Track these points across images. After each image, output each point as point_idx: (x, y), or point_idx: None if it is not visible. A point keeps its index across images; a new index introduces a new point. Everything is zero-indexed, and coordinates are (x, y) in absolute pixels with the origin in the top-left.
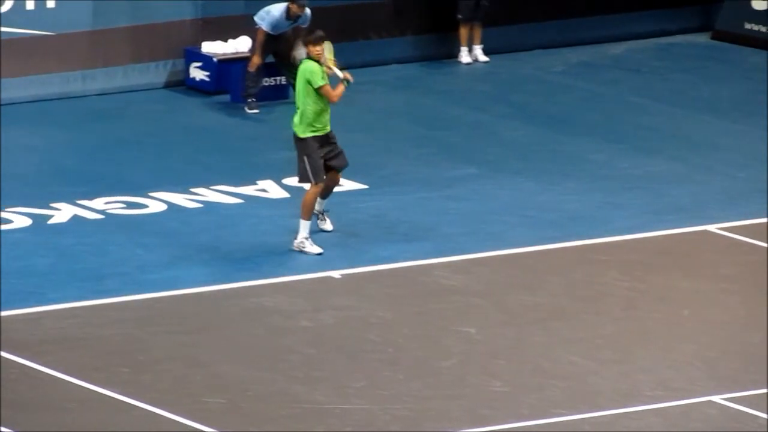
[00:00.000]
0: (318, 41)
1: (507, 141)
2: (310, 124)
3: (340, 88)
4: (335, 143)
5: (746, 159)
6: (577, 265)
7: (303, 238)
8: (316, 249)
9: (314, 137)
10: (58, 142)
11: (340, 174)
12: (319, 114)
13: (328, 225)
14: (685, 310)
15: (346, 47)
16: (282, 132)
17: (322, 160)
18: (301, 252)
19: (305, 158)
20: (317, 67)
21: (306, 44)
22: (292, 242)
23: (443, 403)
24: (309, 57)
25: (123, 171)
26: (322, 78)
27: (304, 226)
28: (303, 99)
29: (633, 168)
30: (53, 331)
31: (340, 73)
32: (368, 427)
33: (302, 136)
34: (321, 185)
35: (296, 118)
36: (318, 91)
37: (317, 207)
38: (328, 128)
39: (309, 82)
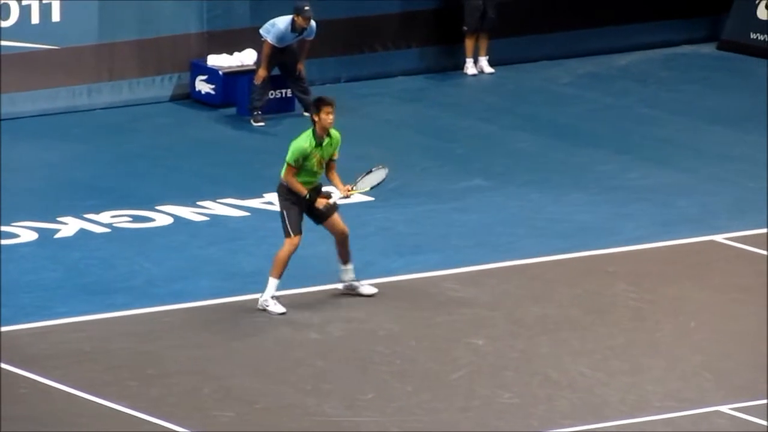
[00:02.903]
0: (326, 105)
1: (514, 152)
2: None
3: (299, 187)
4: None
5: (755, 168)
6: (586, 276)
7: (268, 297)
8: (279, 308)
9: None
10: (64, 156)
11: (333, 218)
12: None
13: (368, 289)
14: (692, 321)
15: (352, 60)
16: (288, 144)
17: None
18: (265, 310)
19: (283, 212)
20: (302, 146)
21: (318, 110)
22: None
23: (453, 415)
24: (314, 126)
25: (129, 184)
26: (296, 160)
27: (272, 284)
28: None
29: (641, 179)
30: (61, 345)
31: (336, 197)
32: None
33: (282, 183)
34: (297, 238)
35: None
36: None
37: (346, 276)
38: (316, 183)
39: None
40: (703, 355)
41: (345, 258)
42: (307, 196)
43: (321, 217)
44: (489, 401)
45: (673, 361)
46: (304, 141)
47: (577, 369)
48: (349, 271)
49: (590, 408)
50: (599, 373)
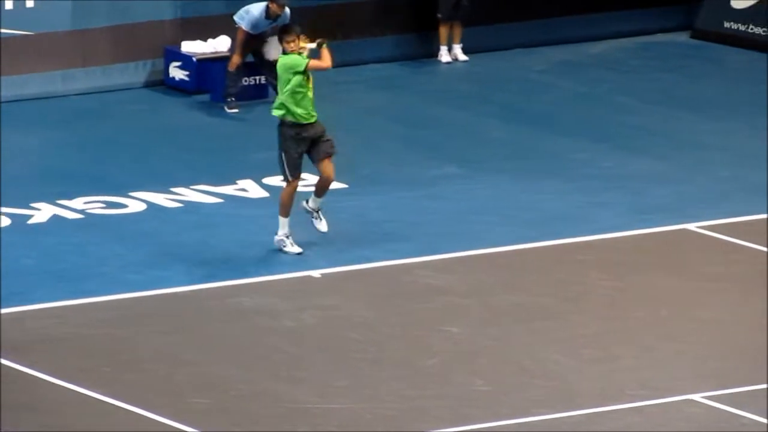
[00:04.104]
0: (290, 33)
1: (488, 140)
2: (292, 113)
3: (324, 54)
4: (322, 134)
5: (729, 157)
6: (559, 264)
7: (282, 236)
8: (295, 249)
9: (296, 129)
10: (38, 142)
11: (325, 163)
12: (299, 102)
13: (322, 225)
14: (664, 309)
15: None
16: (262, 131)
17: (303, 154)
18: (281, 250)
19: (283, 154)
20: (295, 56)
21: (281, 41)
22: (274, 239)
23: (426, 403)
24: (284, 53)
25: (103, 170)
26: (304, 58)
27: (283, 222)
28: (282, 91)
29: (615, 167)
30: (35, 331)
31: (313, 45)
32: (351, 427)
33: (283, 127)
34: (296, 182)
35: (278, 110)
36: (308, 71)
37: (312, 204)
38: (314, 118)
39: (293, 71)
40: (676, 343)
41: (318, 193)
42: (319, 46)
43: (317, 155)
44: (462, 389)
45: (645, 350)
46: (289, 57)
47: (550, 357)
48: (314, 201)
49: (563, 396)
50: (572, 361)
